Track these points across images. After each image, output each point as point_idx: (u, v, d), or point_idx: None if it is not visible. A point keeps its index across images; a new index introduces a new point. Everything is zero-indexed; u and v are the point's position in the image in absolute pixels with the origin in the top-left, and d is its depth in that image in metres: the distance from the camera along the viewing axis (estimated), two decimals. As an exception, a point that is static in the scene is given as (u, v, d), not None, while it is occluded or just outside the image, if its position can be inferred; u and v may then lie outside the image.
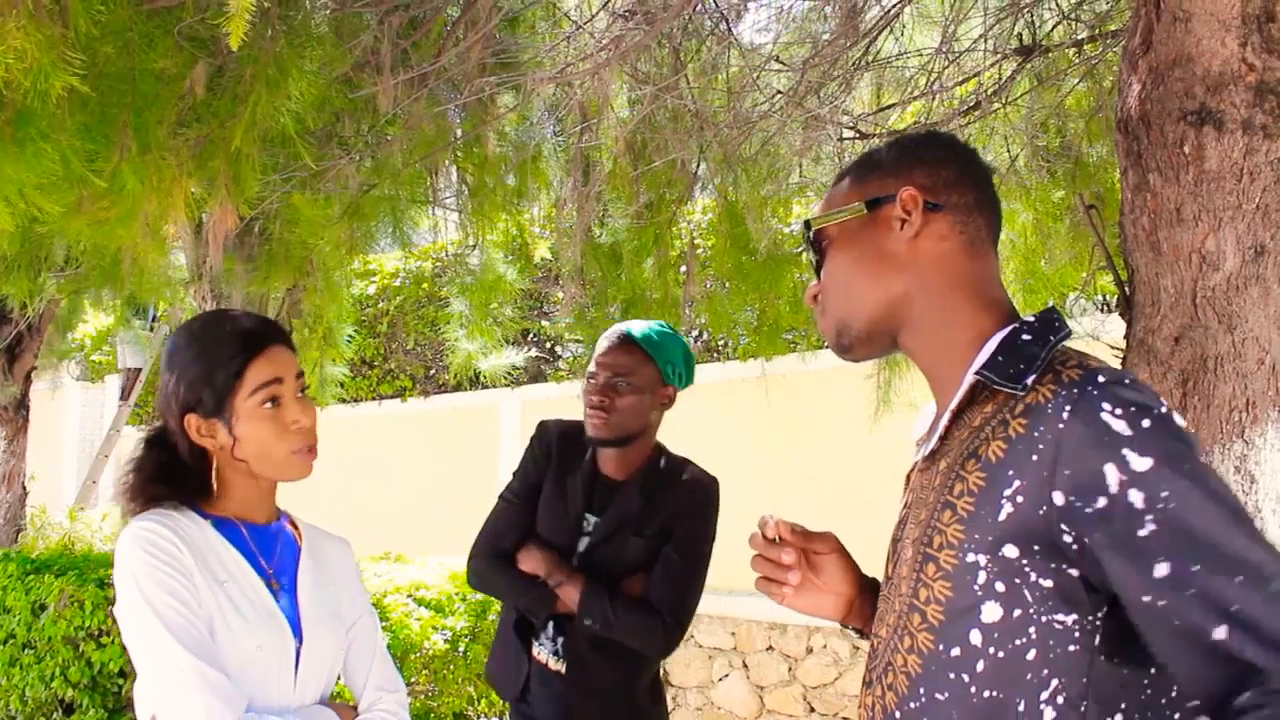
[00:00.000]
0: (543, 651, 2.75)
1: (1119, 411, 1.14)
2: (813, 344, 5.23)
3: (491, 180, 3.98)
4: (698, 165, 4.17)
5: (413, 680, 5.06)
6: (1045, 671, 1.19)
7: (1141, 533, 1.12)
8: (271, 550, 1.93)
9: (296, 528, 2.05)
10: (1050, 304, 1.34)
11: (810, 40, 3.82)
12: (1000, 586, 1.21)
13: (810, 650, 6.68)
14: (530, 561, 2.75)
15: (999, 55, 3.79)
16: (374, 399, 9.95)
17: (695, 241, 4.59)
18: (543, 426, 2.95)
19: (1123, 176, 2.11)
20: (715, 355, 7.67)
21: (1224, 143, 1.90)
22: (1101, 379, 1.18)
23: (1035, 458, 1.19)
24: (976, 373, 1.29)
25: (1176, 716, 1.21)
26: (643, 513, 2.74)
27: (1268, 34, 1.89)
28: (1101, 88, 3.81)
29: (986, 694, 1.21)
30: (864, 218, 1.41)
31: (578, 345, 5.00)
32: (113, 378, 12.79)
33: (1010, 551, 1.20)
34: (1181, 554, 1.10)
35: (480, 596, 5.42)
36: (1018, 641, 1.20)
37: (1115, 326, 2.30)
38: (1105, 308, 5.45)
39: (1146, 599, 1.13)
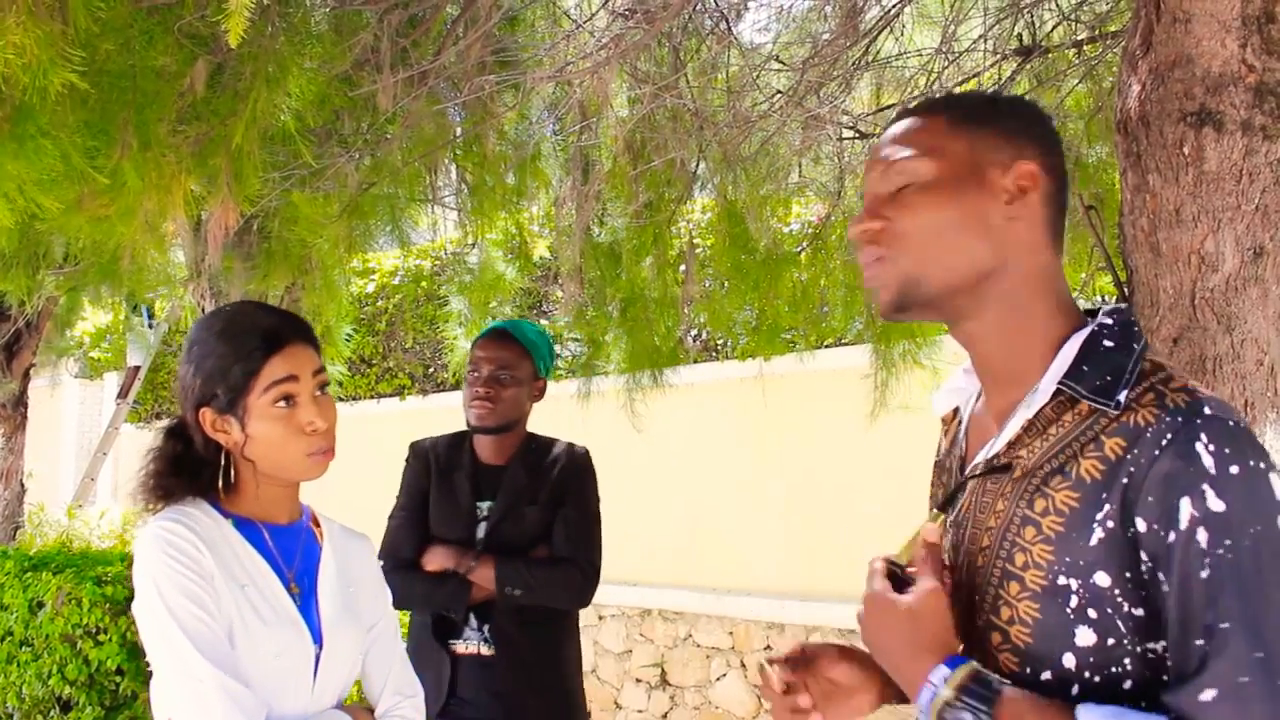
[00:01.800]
0: (470, 644, 2.87)
1: (1213, 448, 1.09)
2: (811, 344, 5.23)
3: (491, 179, 3.98)
4: (697, 164, 4.17)
5: (410, 679, 5.05)
6: (1143, 703, 1.14)
7: (1203, 574, 1.08)
8: (293, 551, 1.91)
9: (318, 525, 2.02)
10: (1116, 305, 1.23)
11: (810, 40, 3.82)
12: (1093, 613, 1.16)
13: (808, 650, 6.67)
14: (436, 559, 2.89)
15: (999, 56, 3.79)
16: (373, 397, 9.94)
17: (694, 241, 4.58)
18: (415, 446, 3.18)
19: (1122, 177, 2.11)
20: (714, 355, 7.67)
21: (1223, 144, 1.90)
22: (1208, 411, 1.12)
23: (1126, 480, 1.13)
24: (1061, 382, 1.23)
25: None
26: (530, 485, 2.96)
27: (1268, 35, 1.89)
28: (1101, 88, 3.81)
29: None
30: (969, 170, 1.27)
31: (576, 344, 4.99)
32: (111, 375, 12.79)
33: (1102, 580, 1.15)
34: (1217, 608, 1.07)
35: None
36: (1114, 670, 1.16)
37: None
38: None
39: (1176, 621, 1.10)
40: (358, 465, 9.44)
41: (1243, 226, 1.90)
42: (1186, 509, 1.08)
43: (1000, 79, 3.80)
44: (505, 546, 2.88)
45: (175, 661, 1.67)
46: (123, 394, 9.78)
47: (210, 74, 2.65)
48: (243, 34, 1.98)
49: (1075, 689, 1.17)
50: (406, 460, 3.15)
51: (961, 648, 1.28)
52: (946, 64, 3.75)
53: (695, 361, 7.25)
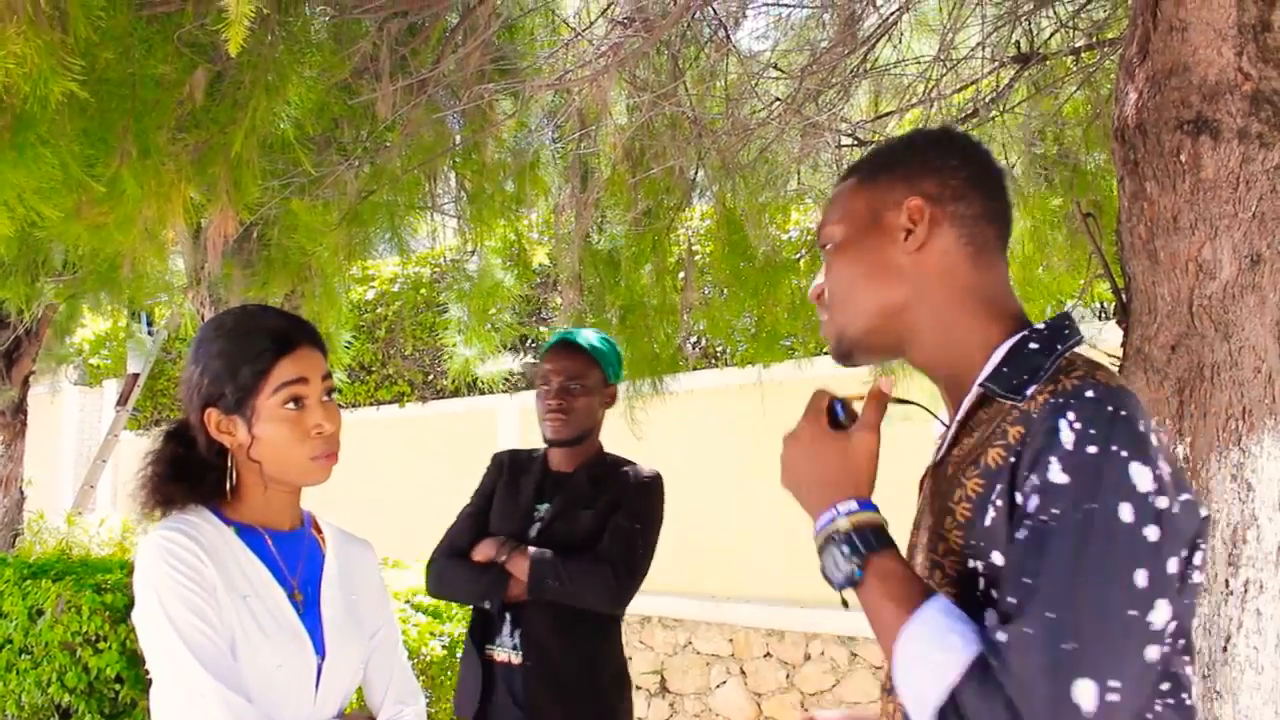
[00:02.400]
0: (502, 650, 2.85)
1: (1077, 426, 1.14)
2: (810, 350, 5.23)
3: (490, 186, 3.99)
4: (696, 172, 4.18)
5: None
6: None
7: (1020, 535, 1.15)
8: (295, 559, 1.90)
9: (320, 532, 2.01)
10: (1067, 309, 1.33)
11: (809, 47, 3.83)
12: (995, 594, 1.19)
13: (808, 657, 6.67)
14: (482, 550, 2.88)
15: (997, 63, 3.80)
16: (372, 404, 9.95)
17: (693, 248, 4.59)
18: (495, 455, 3.19)
19: (1120, 185, 2.11)
20: (713, 361, 7.67)
21: (1220, 151, 1.91)
22: (1089, 395, 1.17)
23: (1014, 460, 1.19)
24: (981, 384, 1.29)
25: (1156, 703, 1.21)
26: (590, 493, 2.93)
27: (1263, 43, 1.90)
28: (1099, 95, 3.82)
29: None
30: (868, 222, 1.38)
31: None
32: (110, 382, 12.78)
33: (997, 559, 1.20)
34: (1028, 566, 1.12)
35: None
36: None
37: (1113, 334, 2.30)
38: (1103, 315, 5.45)
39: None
40: (356, 471, 9.44)
41: (1240, 234, 1.91)
42: (1034, 479, 1.15)
43: (998, 86, 3.81)
44: (555, 545, 2.84)
45: (176, 673, 1.66)
46: (122, 401, 9.79)
47: (209, 82, 2.65)
48: (242, 43, 1.98)
49: None
50: (486, 470, 3.19)
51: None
52: (944, 71, 3.76)
53: (695, 369, 7.26)
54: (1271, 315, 1.91)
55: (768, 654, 6.87)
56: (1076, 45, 3.71)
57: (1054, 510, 1.12)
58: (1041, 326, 1.32)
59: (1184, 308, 1.95)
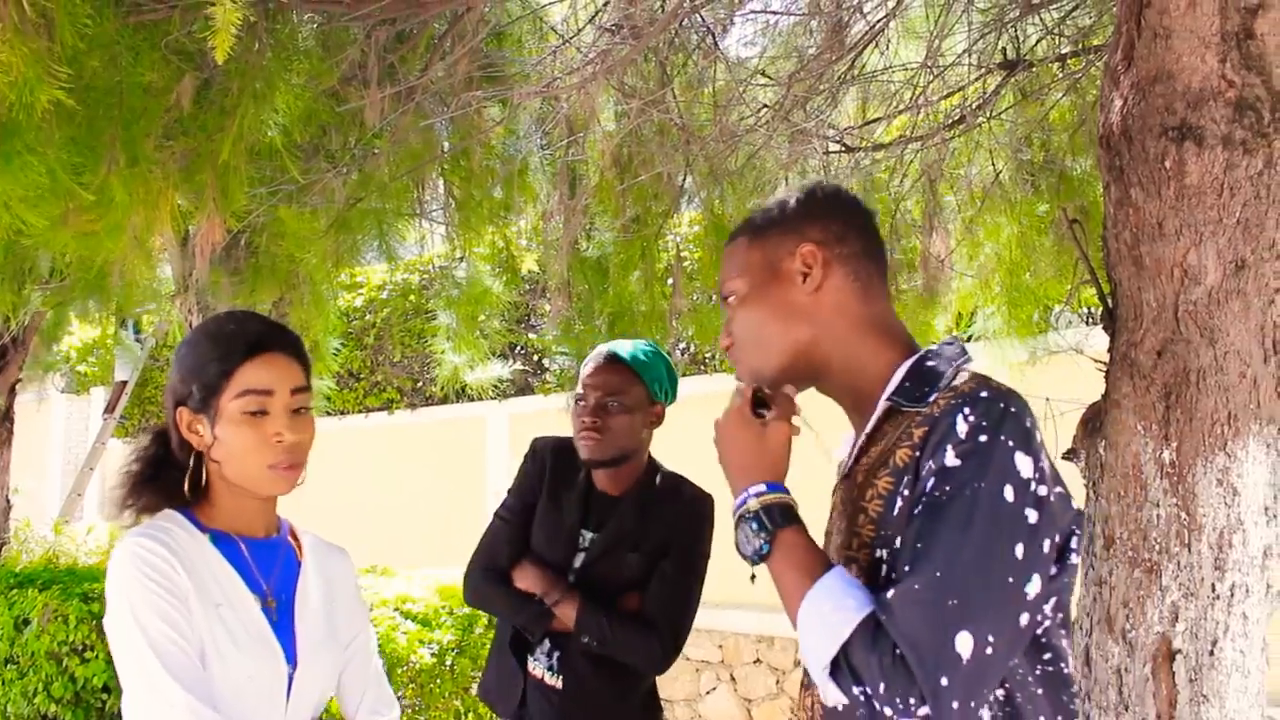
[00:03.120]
0: (538, 667, 2.75)
1: (971, 419, 1.31)
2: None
3: (478, 193, 3.98)
4: (684, 178, 4.18)
5: (399, 694, 5.03)
6: None
7: (917, 510, 1.31)
8: (270, 567, 1.87)
9: (297, 539, 1.98)
10: (953, 337, 1.58)
11: (796, 54, 3.84)
12: (894, 575, 1.32)
13: (798, 663, 6.67)
14: (526, 579, 2.75)
15: (983, 70, 3.82)
16: (361, 411, 9.94)
17: (681, 254, 4.59)
18: (535, 444, 2.97)
19: (1105, 191, 2.12)
20: (701, 368, 7.67)
21: (1204, 158, 1.92)
22: (983, 395, 1.34)
23: (919, 454, 1.35)
24: (888, 398, 1.44)
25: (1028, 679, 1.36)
26: (639, 528, 2.76)
27: (1246, 51, 1.91)
28: (1085, 102, 3.83)
29: None
30: (767, 273, 1.54)
31: (565, 358, 5.00)
32: (98, 390, 12.74)
33: (899, 543, 1.34)
34: (922, 533, 1.29)
35: (467, 610, 5.40)
36: None
37: (1099, 340, 2.31)
38: (1090, 320, 5.47)
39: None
40: (345, 478, 9.43)
41: (1224, 240, 1.92)
42: (932, 464, 1.31)
43: (985, 93, 3.82)
44: (597, 585, 2.72)
45: (146, 683, 1.65)
46: (109, 409, 9.75)
47: (197, 90, 2.65)
48: (230, 50, 1.98)
49: None
50: (525, 457, 2.99)
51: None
52: (931, 78, 3.77)
53: (684, 374, 7.26)
54: (1256, 320, 1.92)
55: (757, 660, 6.87)
56: (1062, 52, 3.73)
57: (946, 488, 1.28)
58: (936, 348, 1.49)
59: (1169, 313, 1.96)
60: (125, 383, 9.73)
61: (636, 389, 2.78)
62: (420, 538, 8.43)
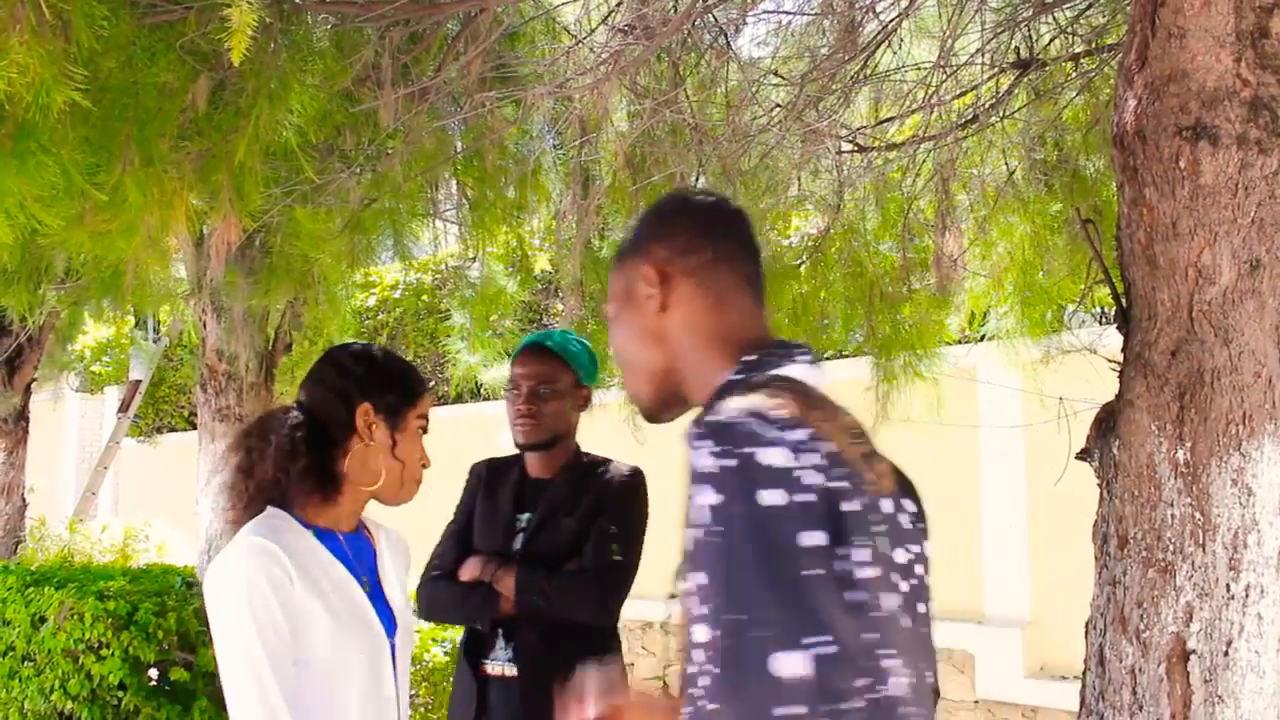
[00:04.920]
0: (496, 664, 2.81)
1: (713, 449, 1.18)
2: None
3: (491, 193, 3.99)
4: (697, 178, 4.18)
5: (413, 693, 5.05)
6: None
7: (688, 547, 1.19)
8: (360, 555, 2.07)
9: (368, 529, 2.17)
10: (791, 342, 1.42)
11: (809, 54, 3.84)
12: (696, 610, 1.20)
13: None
14: (468, 569, 2.85)
15: (996, 69, 3.81)
16: (373, 411, 9.94)
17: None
18: (473, 467, 3.15)
19: (1119, 191, 2.12)
20: (714, 367, 7.67)
21: (1219, 158, 1.91)
22: (718, 419, 1.22)
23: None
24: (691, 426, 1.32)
25: None
26: (571, 499, 2.87)
27: (1261, 50, 1.91)
28: (1098, 101, 3.82)
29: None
30: (626, 298, 1.50)
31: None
32: (112, 389, 12.79)
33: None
34: (695, 577, 1.17)
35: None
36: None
37: (1113, 339, 2.31)
38: (1104, 320, 5.46)
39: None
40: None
41: (1239, 239, 1.91)
42: (692, 504, 1.19)
43: (998, 92, 3.82)
44: (540, 558, 2.80)
45: (263, 708, 1.77)
46: (124, 408, 9.80)
47: (212, 90, 2.66)
48: (245, 51, 1.99)
49: (704, 680, 1.19)
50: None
51: None
52: (945, 78, 3.76)
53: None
54: (1271, 320, 1.91)
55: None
56: (1076, 51, 3.72)
57: (713, 528, 1.16)
58: (753, 356, 1.39)
59: (1184, 313, 1.95)
60: (139, 382, 9.78)
61: (565, 375, 2.90)
62: (433, 536, 8.41)
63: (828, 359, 6.16)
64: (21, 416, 8.39)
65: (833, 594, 1.15)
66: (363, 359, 2.05)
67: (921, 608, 1.40)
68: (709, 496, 1.17)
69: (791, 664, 1.09)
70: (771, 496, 1.15)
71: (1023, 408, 5.90)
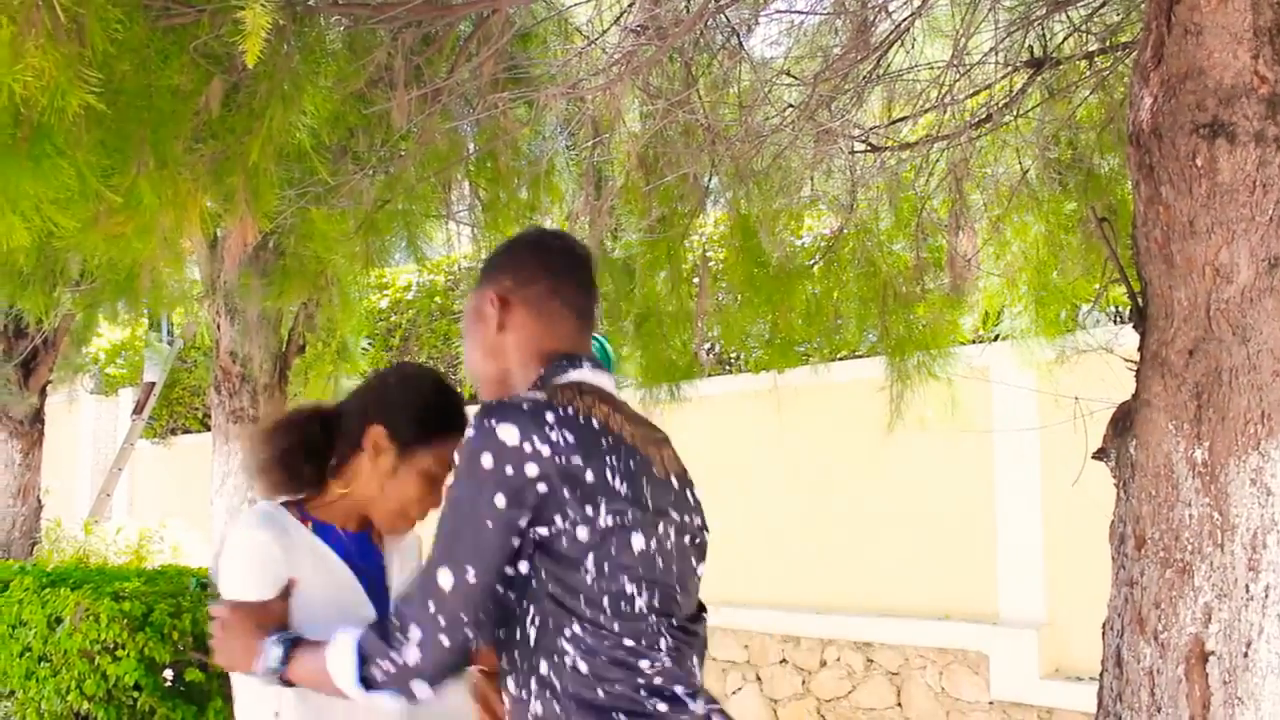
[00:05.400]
0: None
1: (473, 424, 1.54)
2: (825, 356, 5.24)
3: (504, 194, 3.99)
4: (710, 179, 4.18)
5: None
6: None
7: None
8: (360, 551, 2.06)
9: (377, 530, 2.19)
10: (579, 354, 1.78)
11: (821, 54, 3.83)
12: None
13: (824, 663, 6.66)
14: None
15: (1010, 68, 3.79)
16: (386, 412, 9.95)
17: (707, 255, 4.58)
18: None
19: (1135, 189, 2.11)
20: (727, 368, 7.66)
21: (1236, 155, 1.90)
22: (483, 407, 1.56)
23: None
24: None
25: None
26: None
27: (1279, 46, 1.90)
28: (1112, 99, 3.80)
29: None
30: (476, 316, 1.80)
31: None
32: (126, 391, 12.83)
33: None
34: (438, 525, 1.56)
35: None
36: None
37: (1129, 339, 2.29)
38: (1119, 319, 5.43)
39: None
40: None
41: (1257, 237, 1.90)
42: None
43: (1011, 91, 3.80)
44: None
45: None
46: (138, 410, 9.83)
47: (225, 93, 2.66)
48: (259, 53, 2.00)
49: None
50: None
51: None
52: (958, 77, 3.75)
53: (709, 375, 7.25)
54: (1289, 319, 1.90)
55: (783, 660, 6.86)
56: (1090, 49, 3.70)
57: (450, 484, 1.56)
58: (545, 369, 1.71)
59: (1201, 312, 1.94)
60: (153, 384, 9.81)
61: None
62: (446, 538, 8.39)
63: (842, 359, 6.15)
64: (37, 418, 8.42)
65: (501, 540, 1.51)
66: (408, 382, 2.08)
67: (694, 561, 1.75)
68: (457, 459, 1.54)
69: (443, 575, 1.51)
70: (486, 460, 1.50)
71: (1038, 407, 5.88)
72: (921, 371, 4.48)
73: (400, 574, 2.14)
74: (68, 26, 2.10)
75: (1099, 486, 3.41)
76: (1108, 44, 3.64)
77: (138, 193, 2.48)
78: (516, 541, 1.53)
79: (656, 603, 1.57)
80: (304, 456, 2.03)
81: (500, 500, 1.50)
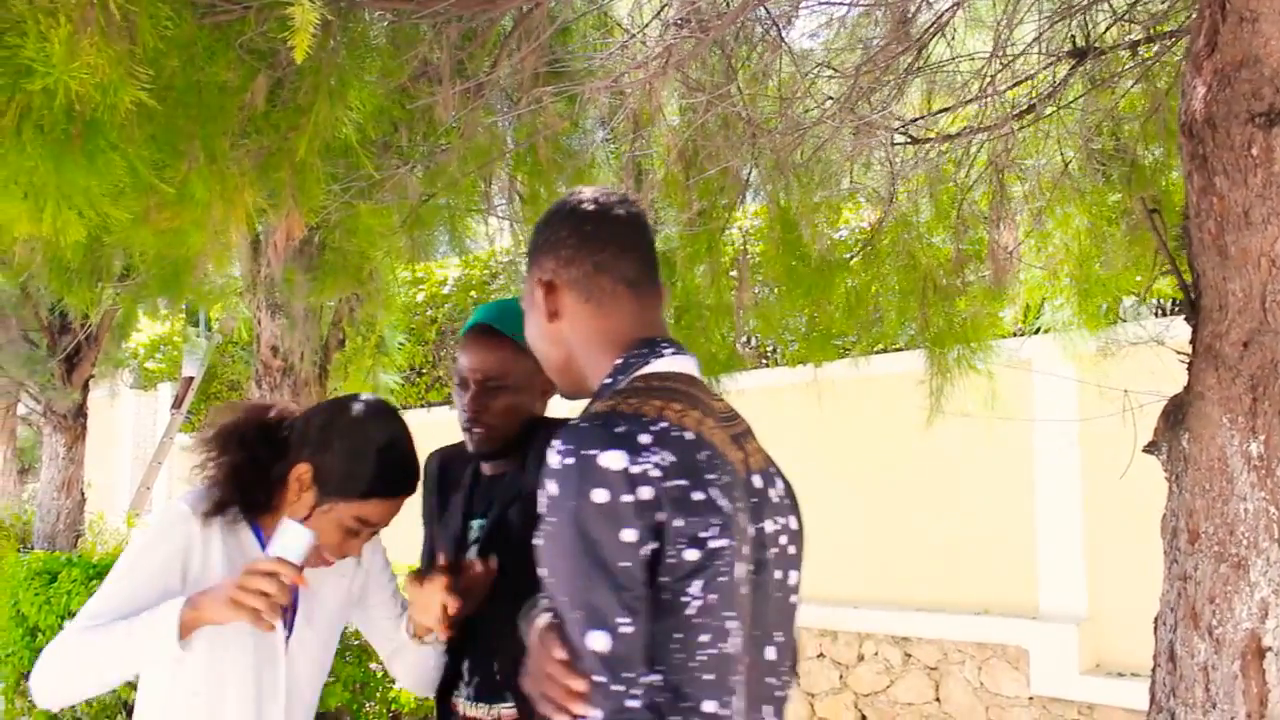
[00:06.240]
0: (465, 704, 2.31)
1: (560, 449, 1.37)
2: (864, 349, 5.22)
3: (545, 190, 4.00)
4: (749, 172, 4.16)
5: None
6: None
7: (536, 543, 1.40)
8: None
9: None
10: (657, 338, 1.59)
11: (861, 45, 3.81)
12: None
13: (861, 658, 6.64)
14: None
15: (1052, 58, 3.76)
16: (423, 406, 10.01)
17: (747, 248, 4.58)
18: (426, 463, 2.51)
19: (1187, 180, 2.09)
20: (765, 361, 7.65)
21: (1294, 144, 1.88)
22: (573, 422, 1.41)
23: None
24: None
25: None
26: (519, 489, 2.27)
27: (1339, 34, 1.87)
28: (1156, 89, 3.76)
29: None
30: (529, 301, 1.67)
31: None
32: (165, 385, 12.96)
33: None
34: (547, 566, 1.39)
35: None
36: None
37: (1175, 331, 2.27)
38: (1160, 311, 5.38)
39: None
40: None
41: (1314, 228, 1.88)
42: (542, 497, 1.39)
43: (1054, 81, 3.77)
44: (502, 565, 2.21)
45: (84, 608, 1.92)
46: (177, 404, 9.92)
47: (269, 88, 2.69)
48: (306, 48, 2.01)
49: None
50: None
51: None
52: (1000, 68, 3.72)
53: (748, 368, 7.24)
54: (1347, 310, 1.88)
55: (821, 654, 6.84)
56: (1133, 38, 3.66)
57: (552, 519, 1.37)
58: (619, 361, 1.56)
59: (1256, 303, 1.92)
60: (192, 378, 9.90)
61: (522, 363, 2.19)
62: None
63: (880, 352, 6.12)
64: (80, 413, 8.54)
65: (639, 579, 1.33)
66: (357, 430, 2.03)
67: (780, 574, 1.57)
68: (552, 489, 1.36)
69: (597, 640, 1.31)
70: (599, 495, 1.33)
71: (1078, 400, 5.84)
72: (961, 365, 4.45)
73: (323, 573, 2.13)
74: (120, 25, 2.13)
75: (1140, 480, 3.39)
76: (1151, 33, 3.60)
77: (190, 187, 2.51)
78: (647, 575, 1.35)
79: (742, 643, 1.41)
80: (252, 474, 2.02)
81: (629, 534, 1.33)
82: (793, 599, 1.60)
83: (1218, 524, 1.94)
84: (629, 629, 1.32)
